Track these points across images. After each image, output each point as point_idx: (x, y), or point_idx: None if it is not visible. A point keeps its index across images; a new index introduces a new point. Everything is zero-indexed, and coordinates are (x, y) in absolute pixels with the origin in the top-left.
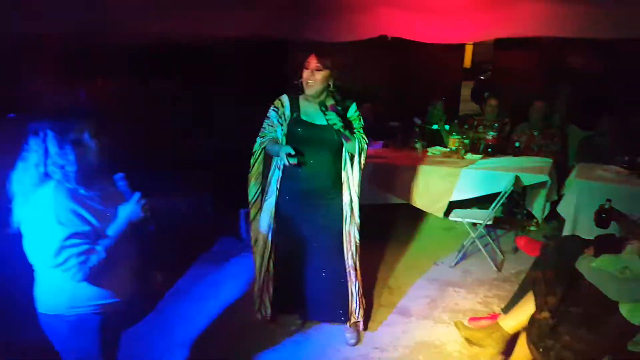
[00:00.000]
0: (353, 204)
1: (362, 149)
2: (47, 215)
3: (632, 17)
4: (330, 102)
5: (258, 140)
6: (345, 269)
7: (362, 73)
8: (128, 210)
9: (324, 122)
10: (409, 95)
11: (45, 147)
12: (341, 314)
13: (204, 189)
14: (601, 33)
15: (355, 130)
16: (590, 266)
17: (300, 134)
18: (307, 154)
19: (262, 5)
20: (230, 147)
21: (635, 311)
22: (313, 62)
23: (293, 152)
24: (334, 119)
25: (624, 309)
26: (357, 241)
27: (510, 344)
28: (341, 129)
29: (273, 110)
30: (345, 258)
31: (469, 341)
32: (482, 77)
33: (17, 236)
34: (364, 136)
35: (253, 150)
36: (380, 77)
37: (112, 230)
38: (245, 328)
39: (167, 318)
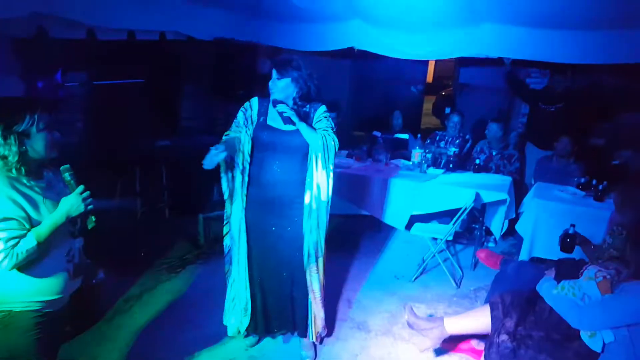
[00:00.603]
0: (316, 208)
1: (327, 146)
2: None
3: (590, 43)
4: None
5: (222, 139)
6: (305, 281)
7: (328, 83)
8: (68, 203)
9: (291, 128)
10: (372, 107)
11: None
12: (300, 328)
13: (160, 191)
14: (561, 58)
15: (321, 130)
16: (551, 292)
17: (265, 139)
18: (272, 160)
19: (233, 9)
20: (190, 149)
21: (597, 338)
22: (274, 71)
23: (216, 153)
24: (283, 108)
25: (585, 335)
26: (320, 252)
27: (445, 343)
28: (292, 116)
29: (241, 111)
30: (305, 265)
31: (410, 326)
32: (443, 93)
33: None
34: (333, 135)
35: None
36: (345, 88)
37: (48, 219)
38: (198, 340)
39: (117, 328)
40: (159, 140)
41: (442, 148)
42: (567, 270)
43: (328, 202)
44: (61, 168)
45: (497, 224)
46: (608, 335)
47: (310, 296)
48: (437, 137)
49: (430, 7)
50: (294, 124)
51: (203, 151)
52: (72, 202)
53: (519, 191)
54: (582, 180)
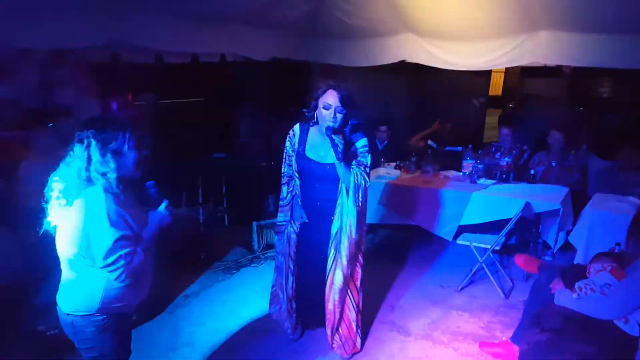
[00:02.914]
0: (341, 243)
1: (358, 185)
2: (99, 217)
3: None
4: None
5: (284, 167)
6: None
7: (382, 95)
8: (159, 216)
9: (327, 161)
10: (427, 120)
11: (89, 154)
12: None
13: (220, 202)
14: (622, 64)
15: (354, 165)
16: (572, 298)
17: (304, 169)
18: (310, 183)
19: (288, 29)
20: (247, 164)
21: (631, 322)
22: (335, 101)
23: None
24: (338, 141)
25: (620, 324)
26: (342, 275)
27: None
28: (339, 151)
29: (288, 140)
30: (327, 288)
31: None
32: (510, 105)
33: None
34: (365, 175)
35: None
36: (400, 101)
37: (146, 234)
38: (246, 334)
39: (177, 319)
40: (218, 155)
41: (496, 159)
42: (573, 276)
43: (357, 236)
44: (147, 184)
45: (552, 236)
46: None
47: (326, 315)
48: (493, 149)
49: (482, 16)
50: (337, 153)
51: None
52: (162, 216)
53: (580, 203)
54: None
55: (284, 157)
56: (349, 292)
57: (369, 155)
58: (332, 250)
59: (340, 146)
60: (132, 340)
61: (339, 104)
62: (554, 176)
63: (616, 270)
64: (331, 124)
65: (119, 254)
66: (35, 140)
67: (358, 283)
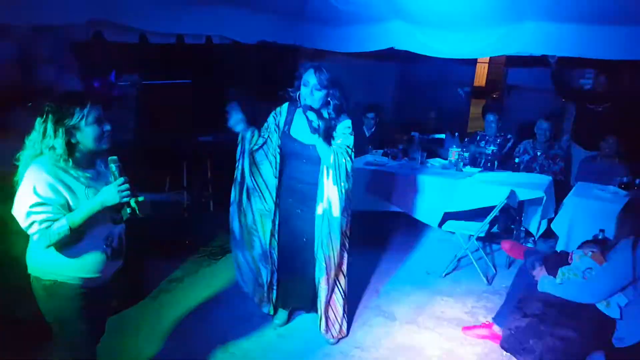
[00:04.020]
0: (327, 223)
1: (338, 164)
2: (27, 183)
3: (637, 38)
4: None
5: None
6: (307, 267)
7: (370, 82)
8: (105, 193)
9: (311, 142)
10: (414, 108)
11: (45, 128)
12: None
13: (205, 186)
14: (606, 54)
15: (336, 146)
16: (555, 284)
17: (287, 150)
18: (294, 166)
19: (276, 13)
20: (234, 147)
21: (612, 305)
22: (313, 79)
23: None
24: (313, 117)
25: (602, 306)
26: (333, 266)
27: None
28: (318, 128)
29: (272, 116)
30: (316, 273)
31: None
32: (494, 95)
33: None
34: (347, 155)
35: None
36: (387, 88)
37: (83, 207)
38: (231, 319)
39: (160, 305)
40: (203, 138)
41: (482, 147)
42: (555, 262)
43: (342, 218)
44: (109, 158)
45: (534, 223)
46: (621, 299)
47: (318, 302)
48: (478, 137)
49: (471, 5)
50: (317, 133)
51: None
52: (110, 192)
53: (562, 192)
54: (625, 179)
55: (264, 125)
56: (336, 277)
57: (352, 136)
58: (317, 234)
59: (317, 122)
60: (115, 325)
61: (316, 82)
62: (538, 165)
63: (597, 255)
64: (309, 102)
65: (33, 218)
66: (13, 120)
67: (344, 267)
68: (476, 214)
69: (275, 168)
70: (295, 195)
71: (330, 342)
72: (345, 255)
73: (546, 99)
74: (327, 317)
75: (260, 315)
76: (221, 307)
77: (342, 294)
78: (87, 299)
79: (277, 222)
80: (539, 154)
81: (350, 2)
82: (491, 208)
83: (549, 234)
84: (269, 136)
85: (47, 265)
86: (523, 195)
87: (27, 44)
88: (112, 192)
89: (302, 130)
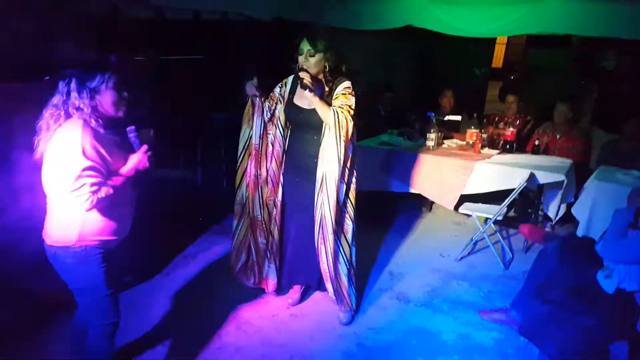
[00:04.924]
0: (327, 180)
1: (338, 122)
2: (73, 145)
3: None
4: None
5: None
6: (313, 243)
7: (387, 61)
8: (136, 159)
9: (311, 106)
10: (430, 88)
11: (68, 89)
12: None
13: (219, 164)
14: (632, 34)
15: (337, 106)
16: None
17: (291, 117)
18: (298, 135)
19: None
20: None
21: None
22: (305, 47)
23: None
24: (304, 75)
25: (600, 277)
26: (330, 226)
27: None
28: (309, 85)
29: (278, 86)
30: (316, 234)
31: None
32: (512, 77)
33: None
34: (347, 114)
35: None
36: (404, 67)
37: (122, 171)
38: (244, 297)
39: (172, 281)
40: (218, 116)
41: (500, 129)
42: (576, 248)
43: (340, 179)
44: (128, 129)
45: (554, 208)
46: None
47: (320, 264)
48: (496, 118)
49: None
50: (308, 88)
51: None
52: (139, 158)
53: (582, 176)
54: None
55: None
56: (339, 244)
57: (353, 97)
58: (317, 197)
59: (307, 79)
60: (129, 300)
61: (310, 48)
62: (557, 148)
63: None
64: (304, 67)
65: (85, 181)
66: (30, 93)
67: (349, 236)
68: (494, 197)
69: (282, 138)
70: (299, 168)
71: (343, 323)
72: (351, 224)
73: (566, 80)
74: (334, 288)
75: (273, 295)
76: (234, 285)
77: (347, 263)
78: (107, 260)
79: (280, 195)
80: (558, 136)
81: None
82: (509, 191)
83: (567, 219)
84: (275, 106)
85: (79, 232)
86: (543, 178)
87: (42, 17)
88: (142, 158)
89: (304, 97)
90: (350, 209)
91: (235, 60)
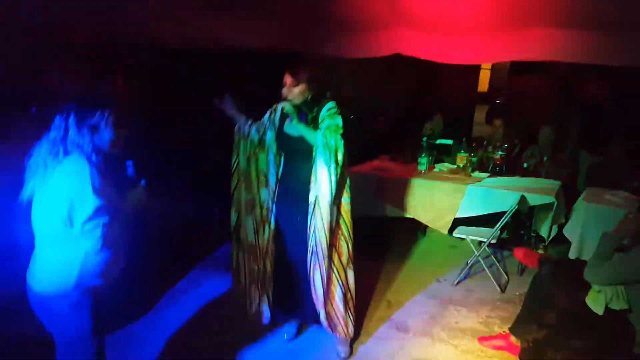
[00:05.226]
0: (319, 203)
1: (325, 144)
2: (82, 183)
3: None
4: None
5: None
6: (307, 276)
7: (378, 88)
8: (136, 195)
9: (298, 132)
10: (420, 112)
11: (66, 125)
12: (309, 318)
13: (211, 194)
14: (611, 60)
15: (323, 127)
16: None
17: (283, 145)
18: (289, 162)
19: (281, 19)
20: None
21: (596, 300)
22: (288, 79)
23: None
24: (285, 105)
25: (588, 299)
26: (326, 252)
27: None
28: (291, 114)
29: (268, 112)
30: (309, 260)
31: None
32: (497, 101)
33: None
34: (337, 133)
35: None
36: (394, 93)
37: (124, 207)
38: (239, 333)
39: (166, 318)
40: (210, 145)
41: (489, 152)
42: (570, 270)
43: (333, 201)
44: (126, 163)
45: (545, 229)
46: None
47: (312, 291)
48: (485, 142)
49: (476, 11)
50: (290, 117)
51: None
52: (140, 194)
53: (570, 197)
54: (636, 184)
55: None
56: (333, 267)
57: (339, 116)
58: (312, 223)
59: (288, 107)
60: (120, 340)
61: (292, 79)
62: (545, 170)
63: None
64: (289, 98)
65: (97, 221)
66: (17, 125)
67: (344, 258)
68: (486, 220)
69: (274, 165)
70: (292, 196)
71: (342, 358)
72: (345, 245)
73: (550, 104)
74: (327, 312)
75: (269, 328)
76: (228, 320)
77: (341, 287)
78: (101, 304)
79: (272, 222)
80: (545, 159)
81: (356, 9)
82: (501, 214)
83: (560, 239)
84: (265, 132)
85: (77, 275)
86: (534, 200)
87: (30, 48)
88: (142, 193)
89: (290, 123)
90: (344, 229)
91: (228, 90)
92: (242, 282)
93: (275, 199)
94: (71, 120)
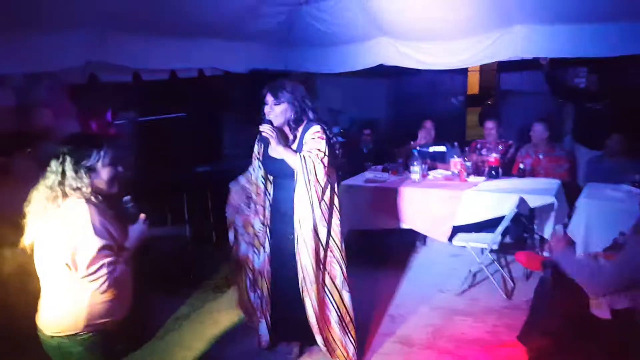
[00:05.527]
0: (302, 226)
1: (306, 168)
2: (83, 225)
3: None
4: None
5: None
6: (299, 291)
7: (363, 100)
8: (138, 230)
9: (280, 155)
10: (410, 121)
11: (63, 169)
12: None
13: (207, 217)
14: (597, 52)
15: (305, 151)
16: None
17: (268, 168)
18: (277, 184)
19: (265, 40)
20: (233, 175)
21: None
22: (269, 97)
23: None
24: (264, 128)
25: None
26: (311, 278)
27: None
28: (270, 138)
29: (255, 143)
30: (300, 285)
31: None
32: (488, 102)
33: None
34: (317, 158)
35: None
36: (381, 104)
37: (127, 245)
38: (241, 356)
39: (167, 344)
40: (200, 168)
41: (484, 155)
42: None
43: (316, 225)
44: (123, 199)
45: (548, 229)
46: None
47: (307, 314)
48: (478, 145)
49: (457, 15)
50: (269, 139)
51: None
52: (141, 229)
53: (571, 194)
54: (637, 176)
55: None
56: (326, 291)
57: (323, 140)
58: (297, 245)
59: (268, 130)
60: None
61: (273, 99)
62: (542, 169)
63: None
64: (271, 117)
65: (101, 263)
66: (13, 166)
67: (338, 281)
68: (486, 225)
69: (264, 190)
70: (282, 217)
71: None
72: (338, 267)
73: (542, 101)
74: (324, 338)
75: (271, 352)
76: (230, 344)
77: (337, 311)
78: (112, 344)
79: (267, 245)
80: (541, 157)
81: (334, 24)
82: (502, 218)
83: None
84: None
85: (86, 316)
86: (533, 202)
87: (23, 90)
88: (143, 228)
89: (271, 146)
90: (336, 252)
91: (215, 115)
92: (241, 303)
93: (268, 222)
94: (67, 164)
